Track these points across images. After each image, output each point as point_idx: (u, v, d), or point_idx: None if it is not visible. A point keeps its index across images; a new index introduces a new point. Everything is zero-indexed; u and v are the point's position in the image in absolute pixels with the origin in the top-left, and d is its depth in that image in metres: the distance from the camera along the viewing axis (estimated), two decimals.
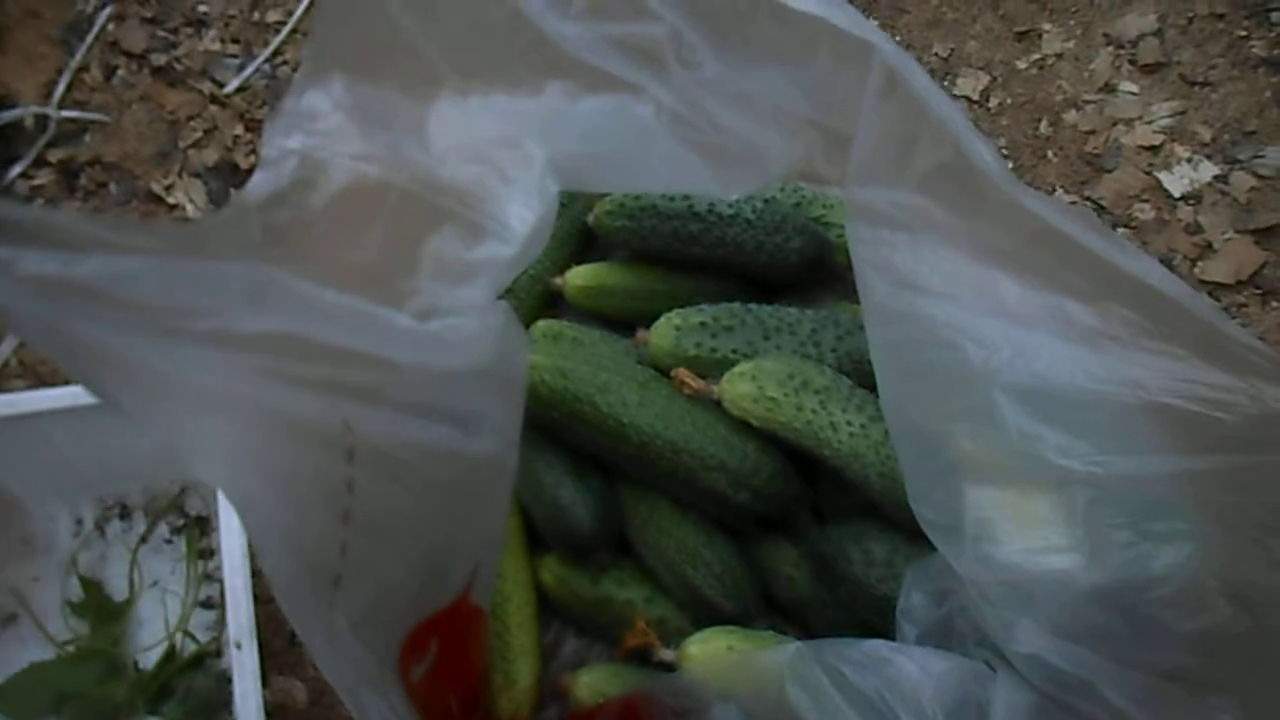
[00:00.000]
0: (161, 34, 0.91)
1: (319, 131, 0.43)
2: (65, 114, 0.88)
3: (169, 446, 0.36)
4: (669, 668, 0.61)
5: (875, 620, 0.61)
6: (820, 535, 0.64)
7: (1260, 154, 0.77)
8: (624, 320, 0.73)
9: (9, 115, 0.86)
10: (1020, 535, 0.50)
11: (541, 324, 0.73)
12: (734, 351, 0.67)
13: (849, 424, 0.61)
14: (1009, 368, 0.49)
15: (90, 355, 0.34)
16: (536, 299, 0.76)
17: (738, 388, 0.63)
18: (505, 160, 0.46)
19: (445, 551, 0.52)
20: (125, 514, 0.76)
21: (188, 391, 0.36)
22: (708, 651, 0.60)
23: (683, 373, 0.65)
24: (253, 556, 0.64)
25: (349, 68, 0.44)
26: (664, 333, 0.68)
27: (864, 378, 0.64)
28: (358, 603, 0.44)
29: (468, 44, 0.48)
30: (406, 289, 0.44)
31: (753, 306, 0.69)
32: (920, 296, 0.52)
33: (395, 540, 0.47)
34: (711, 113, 0.55)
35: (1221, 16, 0.82)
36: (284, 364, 0.39)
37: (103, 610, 0.73)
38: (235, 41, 0.91)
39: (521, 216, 0.45)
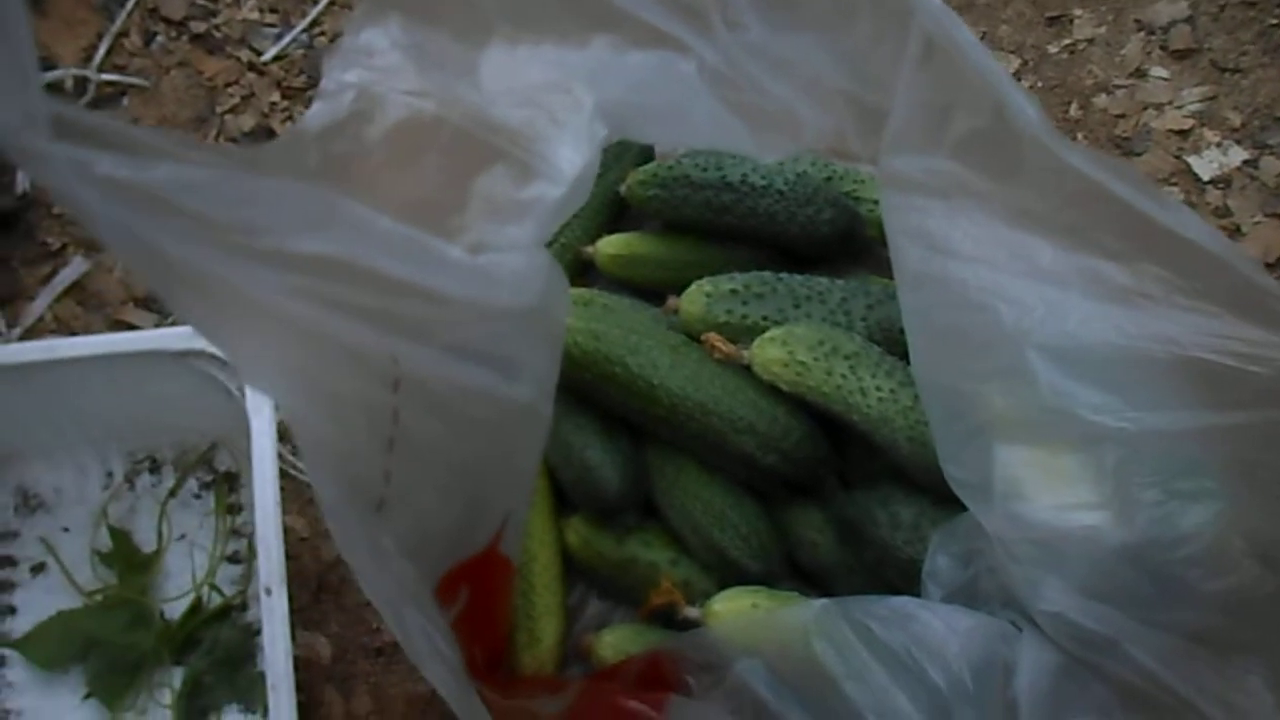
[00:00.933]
0: (201, 2, 0.92)
1: (376, 67, 0.44)
2: (104, 77, 0.89)
3: (228, 356, 0.37)
4: (693, 626, 0.62)
5: (901, 584, 0.61)
6: (847, 499, 0.65)
7: None
8: (655, 289, 0.74)
9: (49, 77, 0.87)
10: (1049, 492, 0.51)
11: (574, 291, 0.73)
12: (764, 319, 0.67)
13: (878, 389, 0.62)
14: (1041, 327, 0.50)
15: (159, 261, 0.35)
16: (568, 267, 0.77)
17: (768, 352, 0.64)
18: (555, 104, 0.47)
19: (479, 495, 0.53)
20: (155, 468, 0.77)
21: (247, 306, 0.37)
22: (732, 609, 0.61)
23: (713, 337, 0.66)
24: (283, 509, 0.65)
25: (406, 9, 0.45)
26: (695, 299, 0.69)
27: (893, 346, 0.65)
28: (399, 532, 0.45)
29: None
30: (456, 225, 0.45)
31: (783, 275, 0.69)
32: (953, 261, 0.53)
33: (434, 475, 0.47)
34: (753, 75, 0.56)
35: (1253, 4, 0.83)
36: (337, 289, 0.40)
37: (131, 561, 0.73)
38: (274, 11, 0.92)
39: (570, 159, 0.46)
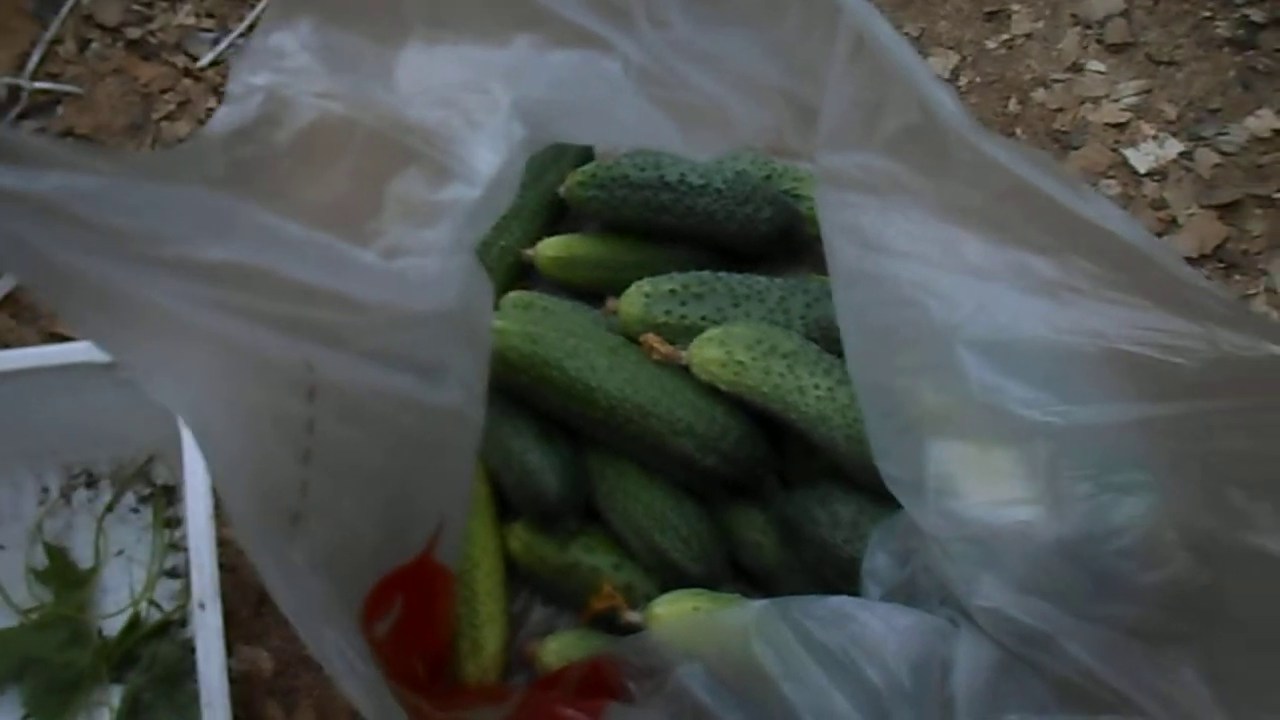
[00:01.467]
0: (136, 8, 0.91)
1: (286, 69, 0.43)
2: (38, 85, 0.87)
3: (129, 369, 0.36)
4: (635, 630, 0.61)
5: (841, 583, 0.61)
6: (786, 499, 0.64)
7: (1224, 131, 0.79)
8: (595, 291, 0.74)
9: None
10: (982, 488, 0.51)
11: (512, 295, 0.73)
12: (703, 319, 0.67)
13: (816, 387, 0.62)
14: (971, 322, 0.49)
15: (55, 274, 0.34)
16: (508, 270, 0.76)
17: (706, 352, 0.64)
18: (472, 104, 0.46)
19: (407, 503, 0.52)
20: (92, 482, 0.76)
21: (147, 316, 0.36)
22: (674, 612, 0.60)
23: (651, 338, 0.65)
24: (219, 520, 0.64)
25: (318, 10, 0.45)
26: (634, 300, 0.68)
27: (832, 344, 0.64)
28: (317, 545, 0.44)
29: None
30: (371, 229, 0.44)
31: (722, 275, 0.69)
32: (886, 257, 0.53)
33: (355, 485, 0.47)
34: (680, 73, 0.55)
35: None
36: (246, 297, 0.39)
37: (67, 577, 0.72)
38: (210, 16, 0.91)
39: (487, 159, 0.45)
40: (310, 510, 0.43)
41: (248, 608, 0.72)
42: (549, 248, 0.75)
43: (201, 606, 0.60)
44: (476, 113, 0.45)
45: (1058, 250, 0.48)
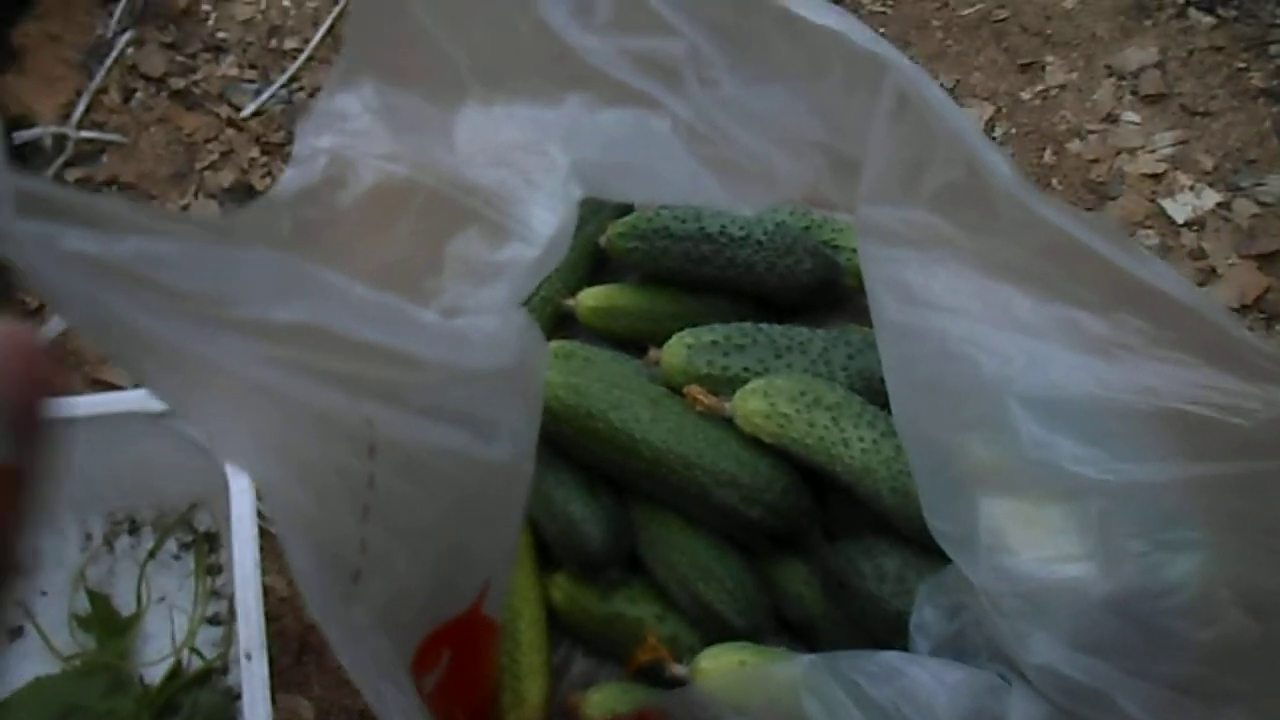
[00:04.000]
0: (180, 59, 0.93)
1: (349, 131, 0.44)
2: (83, 134, 0.89)
3: (200, 429, 0.36)
4: (680, 684, 0.61)
5: (887, 637, 0.61)
6: (831, 551, 0.64)
7: (1261, 182, 0.79)
8: (636, 341, 0.74)
9: (28, 135, 0.87)
10: (1034, 545, 0.51)
11: (554, 344, 0.73)
12: (745, 370, 0.67)
13: (860, 440, 0.62)
14: (1022, 377, 0.50)
15: (128, 336, 0.34)
16: (548, 320, 0.77)
17: (750, 404, 0.64)
18: (529, 165, 0.47)
19: (459, 558, 0.52)
20: (134, 529, 0.76)
21: (219, 377, 0.37)
22: (720, 666, 0.60)
23: (695, 389, 0.65)
24: (264, 569, 0.64)
25: (379, 73, 0.45)
26: (676, 351, 0.68)
27: (874, 396, 0.64)
28: (375, 601, 0.44)
29: (492, 54, 0.49)
30: (431, 288, 0.45)
31: (764, 326, 0.69)
32: (932, 312, 0.53)
33: (412, 541, 0.47)
34: (727, 130, 0.56)
35: (1221, 49, 0.84)
36: (311, 357, 0.39)
37: (109, 624, 0.72)
38: (253, 67, 0.93)
39: (545, 219, 0.46)
40: (369, 566, 0.43)
41: (288, 656, 0.72)
42: (590, 298, 0.76)
43: (248, 657, 0.60)
44: (535, 174, 0.46)
45: (1107, 307, 0.48)
